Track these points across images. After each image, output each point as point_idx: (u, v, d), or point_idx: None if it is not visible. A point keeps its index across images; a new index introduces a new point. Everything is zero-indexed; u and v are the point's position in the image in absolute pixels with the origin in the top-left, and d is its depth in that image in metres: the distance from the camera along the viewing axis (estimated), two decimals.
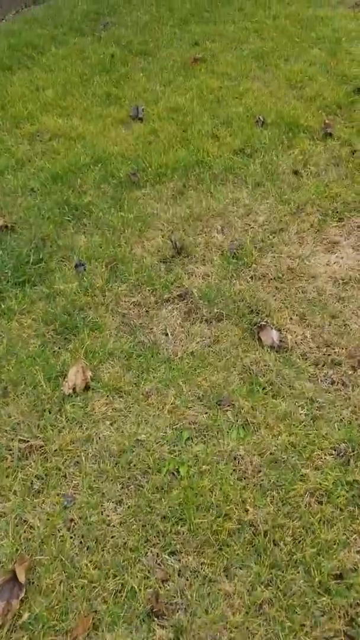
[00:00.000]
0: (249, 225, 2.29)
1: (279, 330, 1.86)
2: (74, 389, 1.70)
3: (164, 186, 2.51)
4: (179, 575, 1.28)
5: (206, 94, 3.06)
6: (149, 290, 2.03)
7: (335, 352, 1.78)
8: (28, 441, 1.57)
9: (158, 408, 1.66)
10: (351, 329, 1.85)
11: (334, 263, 2.11)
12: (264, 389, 1.68)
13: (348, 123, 2.81)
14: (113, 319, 1.93)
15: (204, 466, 1.47)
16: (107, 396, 1.69)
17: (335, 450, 1.50)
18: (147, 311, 1.97)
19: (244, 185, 2.48)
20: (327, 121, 2.78)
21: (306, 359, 1.77)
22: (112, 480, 1.47)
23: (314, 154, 2.60)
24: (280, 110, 2.88)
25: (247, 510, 1.38)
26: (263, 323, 1.85)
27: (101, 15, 4.14)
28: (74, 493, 1.45)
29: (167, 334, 1.88)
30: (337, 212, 2.31)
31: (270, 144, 2.67)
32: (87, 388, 1.71)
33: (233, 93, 3.05)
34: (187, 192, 2.47)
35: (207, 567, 1.29)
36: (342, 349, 1.80)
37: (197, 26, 3.85)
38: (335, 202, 2.34)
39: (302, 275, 2.05)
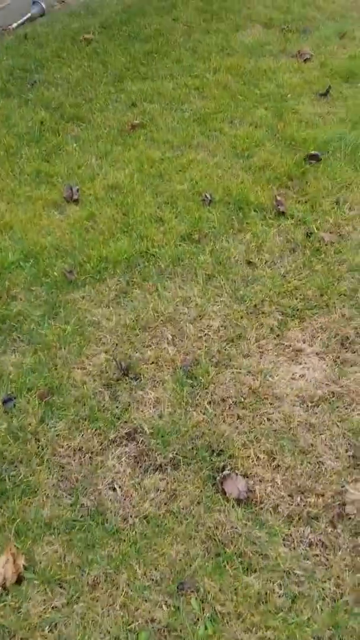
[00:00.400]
0: (203, 331, 2.09)
1: (245, 476, 1.65)
2: (3, 584, 1.42)
3: (104, 285, 2.29)
4: None
5: (147, 168, 2.87)
6: (91, 429, 1.79)
7: (310, 503, 1.58)
8: None
9: (107, 603, 1.41)
10: (326, 468, 1.67)
11: (300, 377, 1.93)
12: (232, 562, 1.46)
13: (301, 197, 2.68)
14: (49, 475, 1.67)
15: None
16: (45, 590, 1.43)
17: None
18: (90, 458, 1.73)
19: (194, 279, 2.29)
20: (278, 197, 2.64)
21: (278, 513, 1.57)
22: None
23: (268, 238, 2.44)
24: (228, 185, 2.72)
25: None
26: (227, 472, 1.63)
27: (29, 72, 3.91)
28: None
29: (114, 489, 1.64)
30: (298, 310, 2.14)
31: (219, 227, 2.50)
32: (19, 581, 1.44)
33: (176, 165, 2.88)
34: (131, 292, 2.25)
35: None
36: (319, 496, 1.60)
37: (133, 83, 3.68)
38: (295, 299, 2.18)
39: (266, 397, 1.85)
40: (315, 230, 2.47)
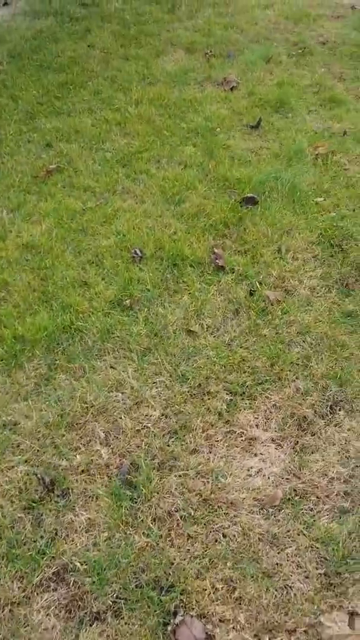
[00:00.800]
0: (141, 423, 1.84)
1: (202, 616, 1.40)
2: None
3: (22, 372, 2.00)
4: None
5: (67, 221, 2.61)
6: (11, 571, 1.49)
7: None
8: None
9: None
10: (295, 594, 1.45)
11: (257, 473, 1.71)
12: None
13: (239, 247, 2.50)
14: None
15: None
16: None
17: None
18: (10, 612, 1.42)
19: (127, 356, 2.04)
20: (215, 250, 2.45)
21: None
22: None
23: (207, 300, 2.23)
24: (160, 237, 2.49)
25: None
26: (179, 618, 1.38)
27: None
28: None
29: None
30: (247, 387, 1.94)
31: (153, 289, 2.27)
32: None
33: (100, 217, 2.63)
34: (54, 378, 1.97)
35: None
36: (290, 634, 1.38)
37: (47, 120, 3.41)
38: (243, 372, 1.97)
39: (219, 505, 1.62)
40: (259, 287, 2.29)
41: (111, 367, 2.02)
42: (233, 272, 2.38)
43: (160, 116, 3.44)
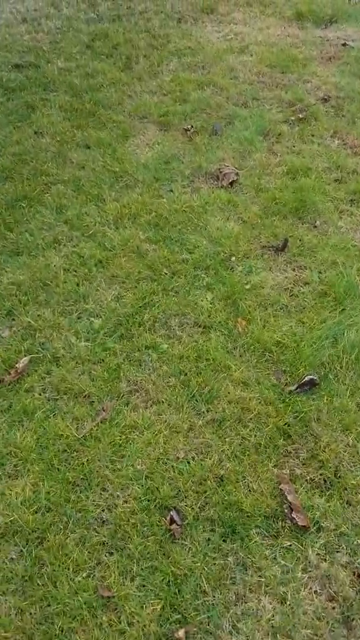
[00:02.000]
0: None
1: None
2: None
3: None
4: None
5: (59, 468, 1.93)
6: None
7: None
8: None
9: None
10: None
11: None
12: None
13: (315, 472, 1.90)
14: None
15: None
16: None
17: None
18: None
19: None
20: (283, 486, 1.83)
21: None
22: None
23: (298, 604, 1.57)
24: (200, 477, 1.88)
25: None
26: None
27: None
28: None
29: None
30: None
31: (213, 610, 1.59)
32: None
33: (107, 448, 2.00)
34: None
35: None
36: None
37: (0, 268, 2.69)
38: None
39: None
40: None
41: None
42: (321, 531, 1.73)
43: (152, 243, 2.78)
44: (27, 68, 4.47)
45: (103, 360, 2.25)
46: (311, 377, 2.15)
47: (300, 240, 2.79)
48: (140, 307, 2.47)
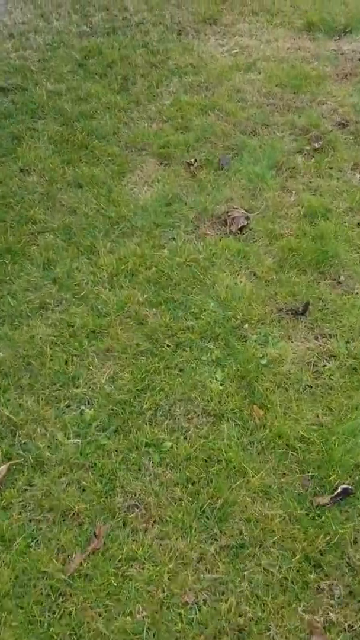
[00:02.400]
0: None
1: None
2: None
3: None
4: None
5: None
6: None
7: None
8: None
9: None
10: None
11: None
12: None
13: None
14: None
15: None
16: None
17: None
18: None
19: None
20: None
21: None
22: None
23: None
24: None
25: None
26: None
27: None
28: None
29: None
30: None
31: None
32: None
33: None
34: None
35: None
36: None
37: None
38: None
39: None
40: None
41: None
42: None
43: (152, 306, 2.47)
44: (13, 92, 4.16)
45: (95, 464, 1.94)
46: (345, 486, 1.83)
47: (322, 300, 2.47)
48: (139, 390, 2.16)
